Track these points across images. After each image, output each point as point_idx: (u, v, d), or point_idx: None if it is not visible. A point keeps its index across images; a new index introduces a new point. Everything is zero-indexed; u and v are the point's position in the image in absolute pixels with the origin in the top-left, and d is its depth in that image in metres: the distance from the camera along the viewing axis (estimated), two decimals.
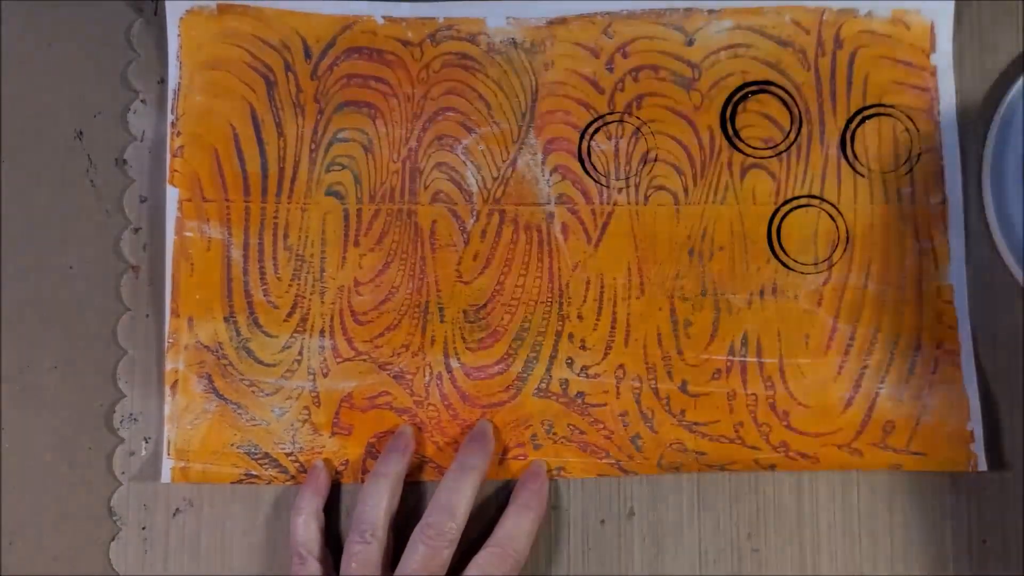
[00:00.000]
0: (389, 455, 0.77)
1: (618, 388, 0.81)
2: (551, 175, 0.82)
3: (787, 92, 0.83)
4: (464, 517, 0.75)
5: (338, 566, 0.76)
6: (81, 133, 0.83)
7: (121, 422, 0.81)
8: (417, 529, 0.74)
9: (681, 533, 0.80)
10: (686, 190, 0.82)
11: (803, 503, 0.80)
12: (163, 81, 0.82)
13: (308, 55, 0.82)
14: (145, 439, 0.80)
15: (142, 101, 0.83)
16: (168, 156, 0.81)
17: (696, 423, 0.81)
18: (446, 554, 0.73)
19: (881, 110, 0.83)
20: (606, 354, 0.81)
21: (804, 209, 0.82)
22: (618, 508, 0.81)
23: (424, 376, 0.81)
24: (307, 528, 0.76)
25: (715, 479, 0.81)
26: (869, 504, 0.80)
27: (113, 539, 0.80)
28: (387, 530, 0.75)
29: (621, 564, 0.80)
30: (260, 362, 0.81)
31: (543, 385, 0.81)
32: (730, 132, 0.82)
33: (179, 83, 0.81)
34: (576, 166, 0.82)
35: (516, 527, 0.76)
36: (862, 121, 0.82)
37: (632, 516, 0.81)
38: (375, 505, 0.75)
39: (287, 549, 0.77)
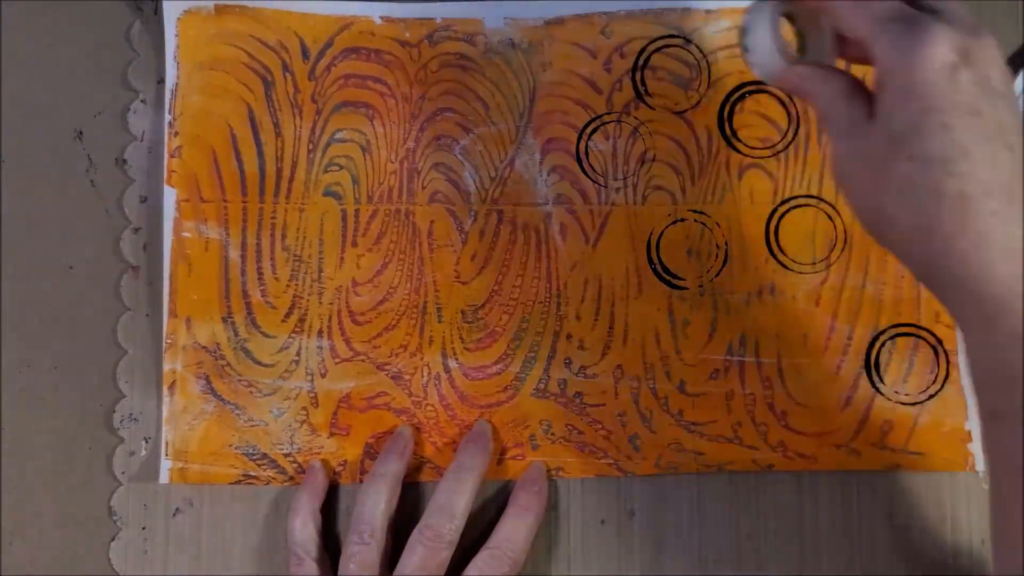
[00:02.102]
0: (388, 456, 0.75)
1: (616, 388, 0.79)
2: (549, 175, 0.80)
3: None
4: (463, 518, 0.72)
5: (336, 567, 0.73)
6: (81, 133, 0.80)
7: (121, 422, 0.78)
8: (416, 531, 0.72)
9: (681, 533, 0.78)
10: (684, 190, 0.79)
11: (803, 503, 0.78)
12: (163, 81, 0.80)
13: (306, 55, 0.80)
14: (145, 439, 0.78)
15: (142, 101, 0.80)
16: (166, 156, 0.79)
17: (694, 423, 0.78)
18: (444, 555, 0.71)
19: None
20: (604, 354, 0.79)
21: (802, 209, 0.80)
22: (618, 508, 0.78)
23: (422, 376, 0.78)
24: (304, 529, 0.74)
25: (715, 479, 0.78)
26: (869, 505, 0.78)
27: (113, 539, 0.77)
28: (385, 531, 0.73)
29: (621, 564, 0.78)
30: (258, 363, 0.78)
31: (541, 385, 0.79)
32: (728, 132, 0.80)
33: (176, 83, 0.79)
34: (574, 166, 0.80)
35: (515, 530, 0.74)
36: None
37: (632, 516, 0.78)
38: (374, 506, 0.73)
39: (286, 549, 0.74)
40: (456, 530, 0.72)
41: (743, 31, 0.66)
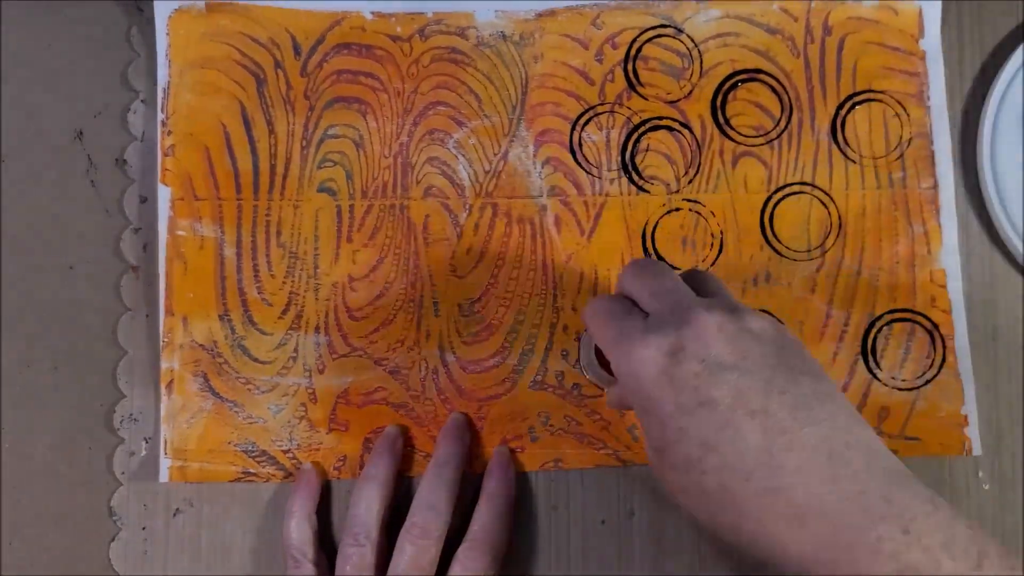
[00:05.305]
0: (379, 457, 0.71)
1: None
2: (543, 167, 0.75)
3: (777, 80, 0.76)
4: (448, 512, 0.69)
5: (333, 568, 0.69)
6: (81, 133, 0.76)
7: (121, 422, 0.73)
8: (403, 530, 0.68)
9: (681, 533, 0.74)
10: (678, 179, 0.75)
11: None
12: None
13: (297, 52, 0.75)
14: (145, 439, 0.73)
15: (142, 101, 0.76)
16: (159, 155, 0.74)
17: None
18: (434, 551, 0.67)
19: (871, 96, 0.76)
20: None
21: (796, 196, 0.75)
22: (618, 508, 0.74)
23: (420, 371, 0.74)
24: (300, 531, 0.70)
25: None
26: None
27: (113, 539, 0.73)
28: (380, 531, 0.69)
29: (621, 564, 0.73)
30: (255, 360, 0.73)
31: (539, 377, 0.74)
32: (721, 121, 0.75)
33: (168, 82, 0.75)
34: (568, 158, 0.75)
35: (489, 518, 0.70)
36: (852, 107, 0.75)
37: (632, 516, 0.74)
38: (367, 508, 0.69)
39: (283, 552, 0.71)
40: (443, 524, 0.68)
41: (579, 351, 0.73)
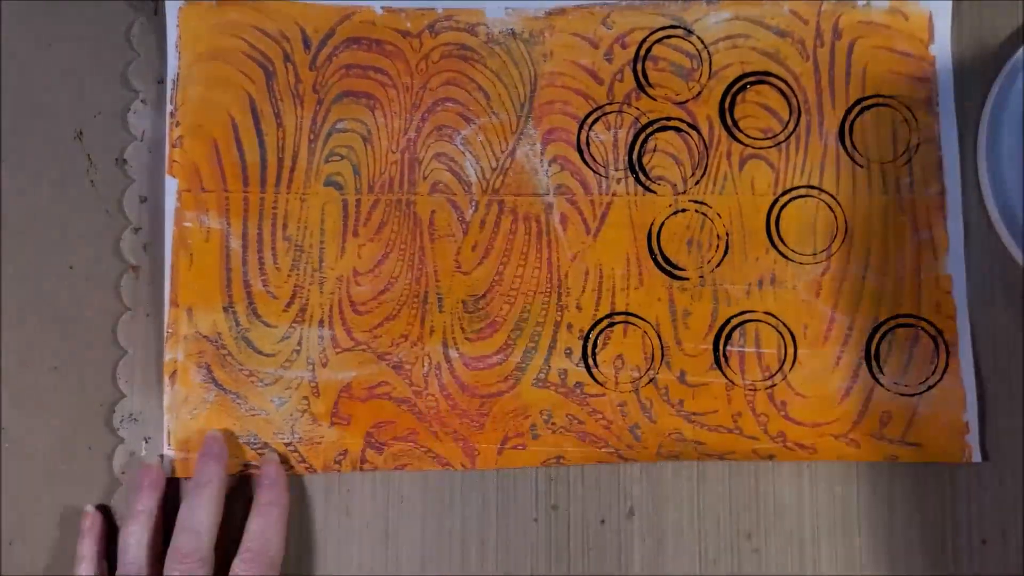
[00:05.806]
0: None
1: (617, 378, 0.73)
2: (550, 166, 0.75)
3: (786, 83, 0.76)
4: (210, 532, 0.68)
5: None
6: (81, 133, 0.75)
7: (121, 422, 0.73)
8: (168, 557, 0.67)
9: (681, 533, 0.74)
10: (685, 180, 0.75)
11: (803, 503, 0.74)
12: (163, 81, 0.75)
13: (307, 45, 0.75)
14: (145, 439, 0.73)
15: (142, 101, 0.75)
16: (167, 147, 0.73)
17: (694, 413, 0.73)
18: (202, 573, 0.67)
19: (880, 100, 0.75)
20: (605, 344, 0.73)
21: (803, 200, 0.75)
22: (618, 508, 0.74)
23: (423, 366, 0.73)
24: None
25: (715, 479, 0.74)
26: (869, 505, 0.74)
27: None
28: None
29: (621, 564, 0.73)
30: (259, 352, 0.73)
31: (542, 375, 0.73)
32: (729, 122, 0.75)
33: (178, 74, 0.74)
34: (575, 156, 0.75)
35: (262, 528, 0.69)
36: (861, 111, 0.75)
37: (632, 516, 0.74)
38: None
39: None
40: (205, 546, 0.67)
41: None
